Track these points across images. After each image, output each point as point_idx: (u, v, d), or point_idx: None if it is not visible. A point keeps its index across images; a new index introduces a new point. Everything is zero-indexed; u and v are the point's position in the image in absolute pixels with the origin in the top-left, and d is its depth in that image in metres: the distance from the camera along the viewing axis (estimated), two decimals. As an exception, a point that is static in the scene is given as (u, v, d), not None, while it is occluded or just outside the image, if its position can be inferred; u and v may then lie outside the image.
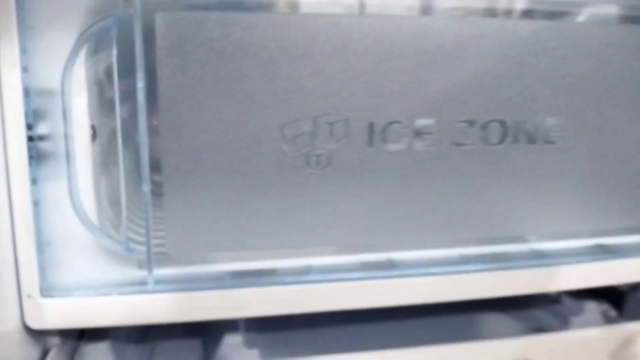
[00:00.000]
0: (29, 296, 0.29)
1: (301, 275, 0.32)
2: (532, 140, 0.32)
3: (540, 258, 0.35)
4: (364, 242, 0.32)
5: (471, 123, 0.31)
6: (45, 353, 0.32)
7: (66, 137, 0.29)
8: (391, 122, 0.30)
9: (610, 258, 0.36)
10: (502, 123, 0.32)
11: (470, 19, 0.31)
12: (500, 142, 0.32)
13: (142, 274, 0.30)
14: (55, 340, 0.33)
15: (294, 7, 0.30)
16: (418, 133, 0.31)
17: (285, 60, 0.29)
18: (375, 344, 0.35)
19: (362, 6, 0.30)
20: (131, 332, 0.35)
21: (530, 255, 0.35)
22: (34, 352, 0.31)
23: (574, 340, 0.36)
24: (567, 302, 0.42)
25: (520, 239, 0.35)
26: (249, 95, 0.29)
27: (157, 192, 0.29)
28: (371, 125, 0.30)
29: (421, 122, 0.31)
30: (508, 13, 0.32)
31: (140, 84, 0.28)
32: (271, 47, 0.28)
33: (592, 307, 0.40)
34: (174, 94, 0.28)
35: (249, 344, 0.36)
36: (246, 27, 0.28)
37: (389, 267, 0.33)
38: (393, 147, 0.31)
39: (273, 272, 0.32)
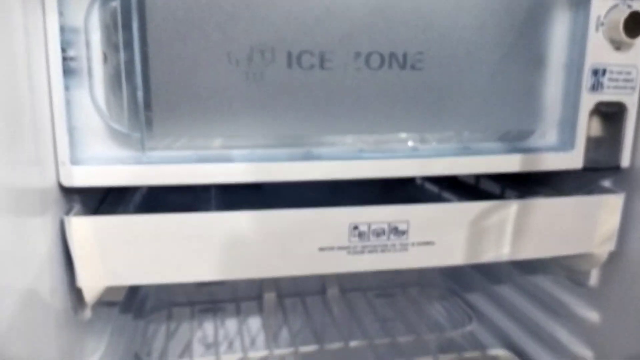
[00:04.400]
0: (62, 163, 0.43)
1: (249, 156, 0.46)
2: (402, 66, 0.47)
3: (416, 150, 0.49)
4: (288, 135, 0.47)
5: (358, 54, 0.46)
6: (71, 209, 0.46)
7: (87, 59, 0.43)
8: (303, 52, 0.45)
9: (469, 155, 0.50)
10: (380, 54, 0.46)
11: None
12: (380, 68, 0.46)
13: (138, 150, 0.44)
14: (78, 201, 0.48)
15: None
16: (322, 60, 0.45)
17: (230, 5, 0.43)
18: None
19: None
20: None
21: (409, 150, 0.49)
22: (65, 206, 0.46)
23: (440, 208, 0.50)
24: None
25: (402, 140, 0.50)
26: (209, 29, 0.43)
27: (147, 94, 0.43)
28: (289, 53, 0.44)
29: (325, 52, 0.45)
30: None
31: (135, 24, 0.42)
32: (221, -1, 0.43)
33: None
34: (160, 30, 0.42)
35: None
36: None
37: (307, 154, 0.47)
38: (306, 69, 0.45)
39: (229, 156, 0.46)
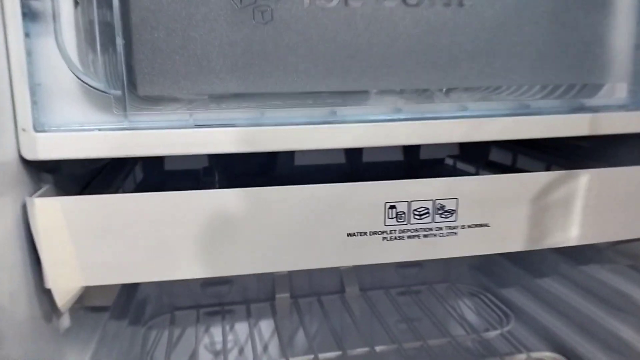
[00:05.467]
0: (23, 130, 0.34)
1: (255, 120, 0.37)
2: (447, 3, 0.37)
3: (464, 109, 0.39)
4: (306, 91, 0.37)
5: (393, -15, 0.36)
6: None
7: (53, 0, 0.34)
8: (325, -18, 0.35)
9: (528, 114, 0.40)
10: (421, -14, 0.36)
11: None
12: (419, 4, 0.37)
13: (119, 113, 0.35)
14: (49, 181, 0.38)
15: None
16: (349, -6, 0.36)
17: None
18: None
19: None
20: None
21: (455, 109, 0.40)
22: (32, 187, 0.36)
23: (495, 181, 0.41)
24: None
25: (446, 96, 0.40)
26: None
27: (128, 41, 0.34)
28: (308, -16, 0.35)
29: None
30: None
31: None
32: None
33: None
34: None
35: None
36: None
37: (331, 115, 0.38)
38: (328, 4, 0.35)
39: (231, 120, 0.37)
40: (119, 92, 0.35)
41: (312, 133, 0.37)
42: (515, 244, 0.41)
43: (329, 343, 0.69)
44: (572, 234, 0.42)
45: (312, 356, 0.66)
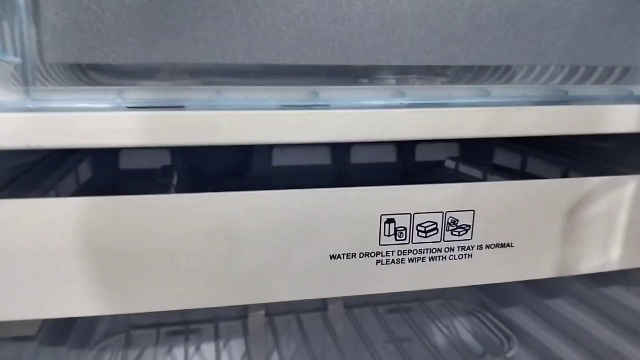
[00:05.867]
0: None
1: (209, 101, 0.27)
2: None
3: (484, 95, 0.30)
4: (281, 65, 0.28)
5: None
6: None
7: None
8: None
9: (565, 103, 0.32)
10: None
11: None
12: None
13: (18, 89, 0.25)
14: None
15: None
16: None
17: None
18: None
19: None
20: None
21: (474, 93, 0.30)
22: None
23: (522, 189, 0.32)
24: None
25: (461, 77, 0.31)
26: None
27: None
28: None
29: None
30: None
31: None
32: None
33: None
34: None
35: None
36: None
37: (312, 98, 0.28)
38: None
39: (176, 101, 0.27)
40: (18, 59, 0.25)
41: (285, 121, 0.27)
42: (545, 270, 0.32)
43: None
44: (615, 256, 0.34)
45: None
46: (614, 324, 0.52)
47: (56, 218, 0.26)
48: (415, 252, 0.30)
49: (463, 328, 0.74)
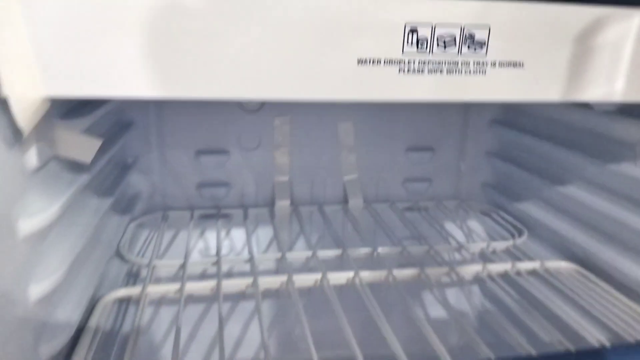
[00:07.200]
0: None
1: None
2: None
3: None
4: None
5: None
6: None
7: None
8: None
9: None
10: None
11: None
12: None
13: None
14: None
15: None
16: None
17: None
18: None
19: None
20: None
21: None
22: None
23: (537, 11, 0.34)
24: None
25: None
26: None
27: None
28: None
29: None
30: None
31: None
32: None
33: None
34: None
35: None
36: None
37: None
38: None
39: None
40: None
41: None
42: (552, 92, 0.35)
43: (330, 247, 0.64)
44: (618, 87, 0.36)
45: (310, 252, 0.61)
46: (621, 199, 0.55)
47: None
48: (434, 63, 0.33)
49: (477, 224, 0.77)
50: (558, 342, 0.47)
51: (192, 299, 0.79)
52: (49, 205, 0.37)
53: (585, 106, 0.58)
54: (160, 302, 0.76)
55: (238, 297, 0.81)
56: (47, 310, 0.38)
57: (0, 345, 0.31)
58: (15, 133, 0.32)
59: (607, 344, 0.47)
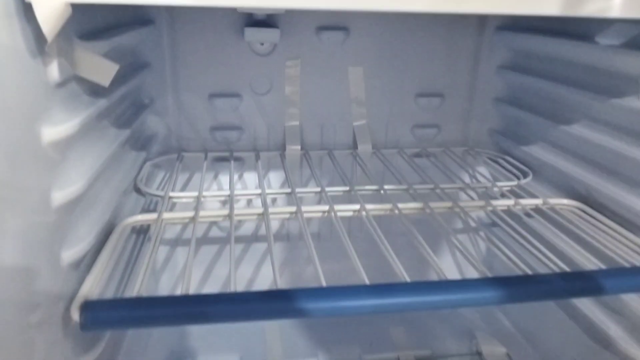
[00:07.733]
0: None
1: None
2: None
3: None
4: None
5: None
6: None
7: None
8: None
9: None
10: None
11: None
12: None
13: None
14: None
15: None
16: None
17: None
18: None
19: None
20: None
21: None
22: None
23: None
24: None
25: None
26: None
27: None
28: None
29: None
30: None
31: None
32: None
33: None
34: None
35: None
36: None
37: None
38: None
39: None
40: None
41: None
42: (551, 6, 0.36)
43: (339, 186, 0.66)
44: (616, 2, 0.37)
45: (319, 189, 0.63)
46: (626, 134, 0.56)
47: None
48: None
49: (484, 169, 0.79)
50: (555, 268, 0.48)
51: (206, 240, 0.82)
52: (70, 118, 0.39)
53: (590, 41, 0.59)
54: (176, 241, 0.80)
55: (250, 239, 0.84)
56: (68, 219, 0.41)
57: (29, 243, 0.34)
58: (39, 42, 0.34)
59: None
